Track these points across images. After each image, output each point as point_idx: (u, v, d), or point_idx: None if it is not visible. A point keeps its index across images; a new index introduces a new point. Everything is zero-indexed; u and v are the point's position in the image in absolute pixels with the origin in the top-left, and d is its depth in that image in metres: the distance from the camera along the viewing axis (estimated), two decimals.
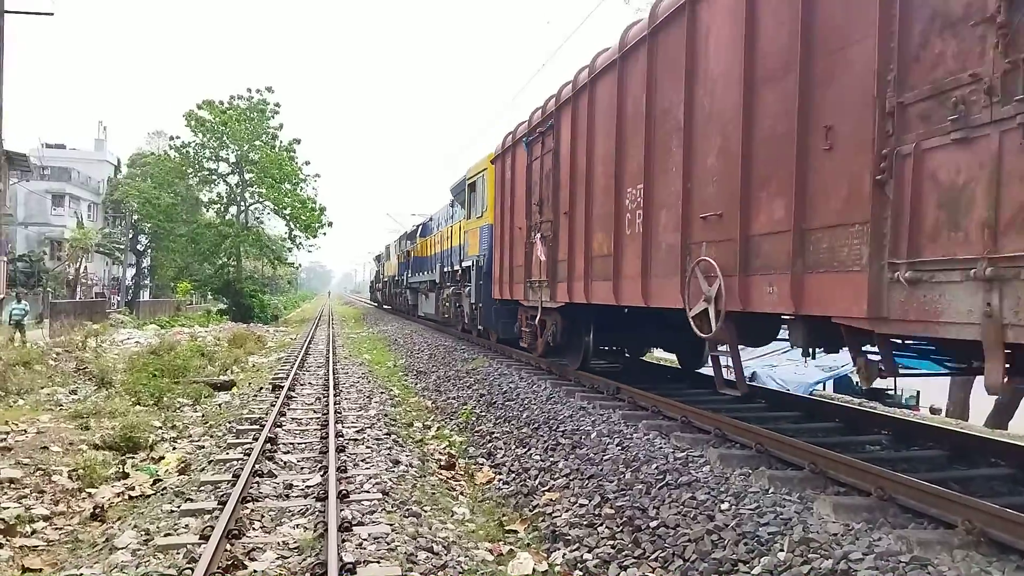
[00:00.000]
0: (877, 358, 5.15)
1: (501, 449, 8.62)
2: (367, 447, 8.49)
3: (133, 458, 9.03)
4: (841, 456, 5.58)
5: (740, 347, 6.82)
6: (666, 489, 5.69)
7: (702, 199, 6.74)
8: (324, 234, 43.21)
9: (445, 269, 21.74)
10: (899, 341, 5.41)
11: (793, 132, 5.40)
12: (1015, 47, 3.79)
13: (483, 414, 10.35)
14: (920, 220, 4.36)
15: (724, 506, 5.12)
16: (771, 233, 5.72)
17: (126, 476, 8.21)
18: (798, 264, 5.37)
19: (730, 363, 7.04)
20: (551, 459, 7.47)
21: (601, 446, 7.13)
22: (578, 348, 10.96)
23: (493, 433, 9.31)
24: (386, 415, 10.93)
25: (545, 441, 8.04)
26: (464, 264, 18.23)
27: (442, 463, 8.63)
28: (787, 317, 6.16)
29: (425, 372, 15.70)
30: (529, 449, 8.10)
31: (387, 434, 9.40)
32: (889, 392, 21.46)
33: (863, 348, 5.18)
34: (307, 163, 42.55)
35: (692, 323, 6.74)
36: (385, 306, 48.11)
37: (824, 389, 18.44)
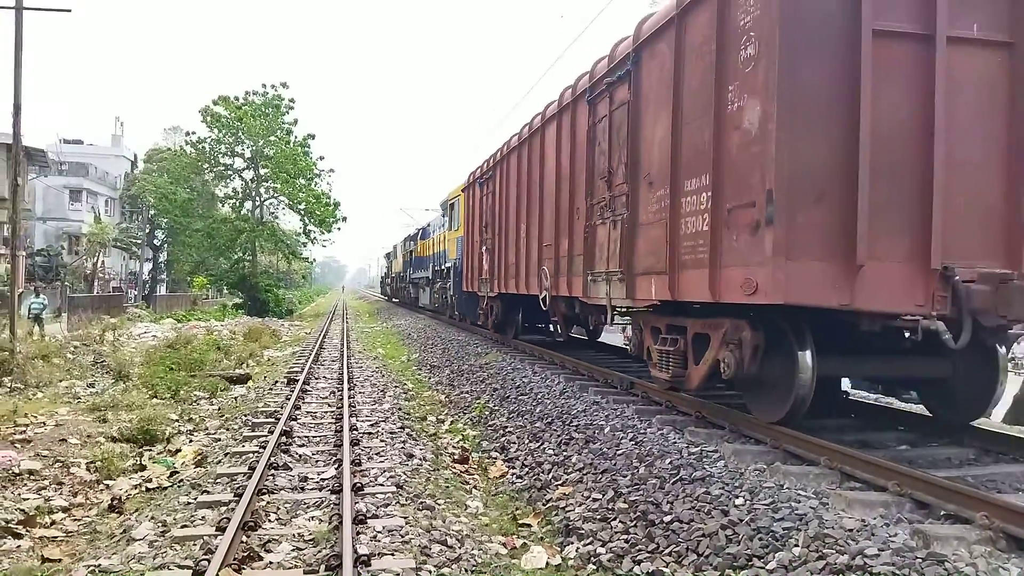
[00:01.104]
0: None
1: (514, 443, 8.62)
2: (381, 441, 8.52)
3: (150, 450, 9.12)
4: (856, 452, 5.56)
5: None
6: (680, 484, 5.67)
7: (544, 234, 11.68)
8: (338, 229, 43.34)
9: (436, 268, 27.09)
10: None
11: (567, 208, 10.49)
12: (611, 188, 8.62)
13: (496, 408, 10.36)
14: (593, 254, 9.30)
15: (739, 501, 5.09)
16: (564, 256, 10.57)
17: (143, 468, 8.29)
18: (569, 271, 10.37)
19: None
20: (564, 453, 7.47)
21: (615, 441, 7.11)
22: (513, 324, 16.45)
23: (507, 427, 9.32)
24: (400, 409, 10.97)
25: (558, 435, 8.04)
26: (447, 265, 23.81)
27: (456, 457, 8.65)
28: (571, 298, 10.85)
29: (439, 366, 15.73)
30: (542, 443, 8.10)
31: (401, 428, 9.43)
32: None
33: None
34: (321, 158, 42.66)
35: (540, 302, 11.90)
36: (394, 299, 51.41)
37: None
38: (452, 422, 10.71)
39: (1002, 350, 6.39)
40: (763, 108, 5.51)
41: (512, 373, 12.00)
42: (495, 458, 8.52)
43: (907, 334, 5.94)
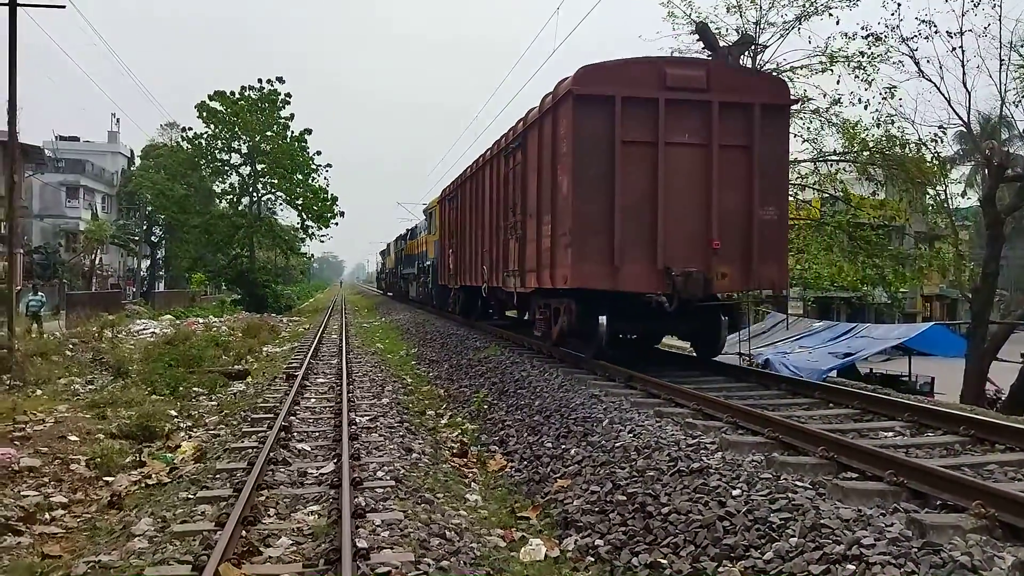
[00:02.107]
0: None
1: (513, 437, 8.64)
2: (380, 435, 8.53)
3: (149, 447, 9.14)
4: (852, 442, 5.59)
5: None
6: (678, 476, 5.69)
7: (485, 243, 15.41)
8: (336, 224, 43.36)
9: (420, 265, 31.25)
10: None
11: (496, 226, 14.34)
12: (515, 216, 12.70)
13: (495, 402, 10.37)
14: (507, 259, 13.42)
15: (736, 492, 5.10)
16: (495, 259, 14.43)
17: (142, 464, 8.30)
18: (497, 269, 14.27)
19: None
20: (563, 446, 7.49)
21: (613, 433, 7.13)
22: (474, 310, 20.34)
23: (505, 421, 9.34)
24: (399, 403, 10.99)
25: (557, 429, 8.05)
26: (427, 263, 28.09)
27: (454, 451, 8.67)
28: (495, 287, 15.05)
29: (437, 361, 15.75)
30: (541, 437, 8.11)
31: (400, 422, 9.45)
32: (904, 378, 21.35)
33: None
34: (318, 153, 42.62)
35: (482, 291, 16.34)
36: (388, 292, 54.12)
37: (836, 376, 18.33)
38: (451, 416, 10.73)
39: (725, 318, 10.73)
40: (568, 182, 9.88)
41: (511, 367, 12.01)
42: (494, 452, 8.54)
43: (663, 304, 9.90)
